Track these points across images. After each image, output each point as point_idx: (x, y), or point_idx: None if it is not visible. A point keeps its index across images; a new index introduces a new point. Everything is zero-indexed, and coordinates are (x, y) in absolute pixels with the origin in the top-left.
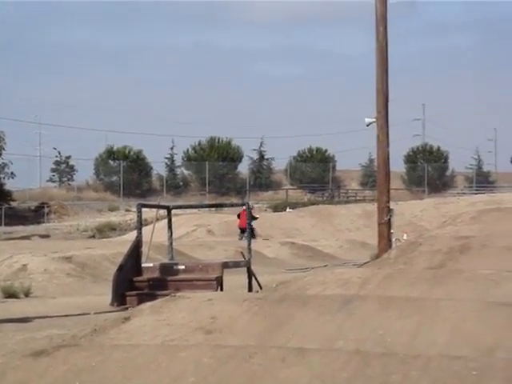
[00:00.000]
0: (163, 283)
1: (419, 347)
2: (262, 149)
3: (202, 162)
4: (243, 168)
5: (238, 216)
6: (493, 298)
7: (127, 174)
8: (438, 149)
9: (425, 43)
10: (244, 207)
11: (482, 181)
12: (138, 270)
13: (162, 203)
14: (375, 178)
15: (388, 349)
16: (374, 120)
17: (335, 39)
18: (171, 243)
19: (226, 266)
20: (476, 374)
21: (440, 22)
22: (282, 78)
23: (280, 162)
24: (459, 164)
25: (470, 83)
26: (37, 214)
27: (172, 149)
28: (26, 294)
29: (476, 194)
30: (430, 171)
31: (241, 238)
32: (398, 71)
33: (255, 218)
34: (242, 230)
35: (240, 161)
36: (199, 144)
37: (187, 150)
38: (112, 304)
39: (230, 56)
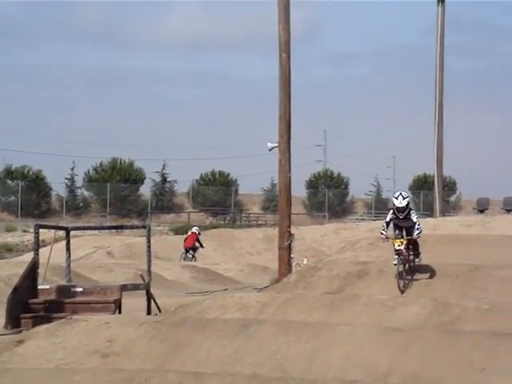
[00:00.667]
0: (60, 306)
1: (316, 371)
2: (164, 171)
3: (104, 183)
4: (145, 190)
5: (185, 239)
6: (388, 323)
7: (25, 194)
8: (339, 175)
9: (327, 72)
10: (194, 230)
11: (381, 207)
12: (34, 292)
13: (62, 224)
14: (277, 203)
15: (285, 373)
16: (276, 145)
17: (242, 64)
18: (69, 265)
19: (124, 288)
20: None
21: (340, 51)
22: (187, 101)
23: (182, 185)
24: (359, 190)
25: (370, 111)
26: None
27: (72, 169)
28: None
29: (375, 220)
30: (330, 197)
31: (185, 257)
32: (300, 98)
33: (201, 246)
34: (187, 250)
35: (142, 183)
36: (101, 165)
37: (88, 171)
38: (6, 327)
39: (134, 77)
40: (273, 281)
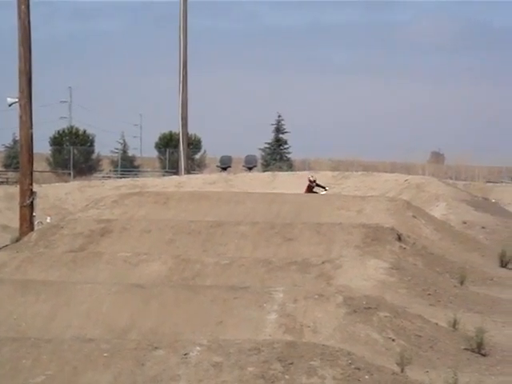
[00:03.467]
0: None
1: (54, 331)
2: None
3: None
4: None
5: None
6: (130, 280)
7: None
8: (85, 132)
9: (72, 27)
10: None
11: (127, 165)
12: None
13: None
14: (19, 160)
15: (22, 333)
16: (17, 100)
17: None
18: None
19: None
20: (107, 356)
21: (86, 7)
22: None
23: None
24: (105, 148)
25: (117, 68)
26: None
27: None
28: None
29: (121, 178)
30: (76, 154)
31: None
32: (45, 53)
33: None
34: None
35: None
36: None
37: None
38: None
39: None
40: (13, 240)
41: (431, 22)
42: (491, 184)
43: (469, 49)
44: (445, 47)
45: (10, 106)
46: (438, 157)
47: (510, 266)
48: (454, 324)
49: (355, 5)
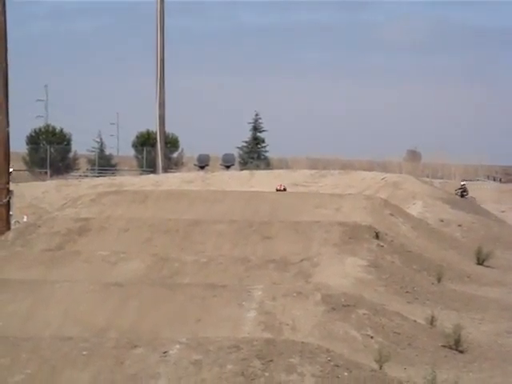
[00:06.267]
0: None
1: (32, 330)
2: None
3: None
4: None
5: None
6: (108, 278)
7: None
8: (61, 130)
9: (48, 26)
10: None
11: (104, 163)
12: None
13: None
14: None
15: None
16: None
17: None
18: None
19: None
20: (86, 354)
21: (60, 6)
22: None
23: None
24: (82, 146)
25: (93, 67)
26: None
27: None
28: None
29: (98, 176)
30: (52, 153)
31: None
32: (22, 52)
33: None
34: None
35: None
36: None
37: None
38: None
39: None
40: None
41: (404, 23)
42: (467, 182)
43: (442, 48)
44: (418, 47)
45: None
46: (414, 155)
47: (486, 263)
48: (432, 321)
49: (329, 5)
